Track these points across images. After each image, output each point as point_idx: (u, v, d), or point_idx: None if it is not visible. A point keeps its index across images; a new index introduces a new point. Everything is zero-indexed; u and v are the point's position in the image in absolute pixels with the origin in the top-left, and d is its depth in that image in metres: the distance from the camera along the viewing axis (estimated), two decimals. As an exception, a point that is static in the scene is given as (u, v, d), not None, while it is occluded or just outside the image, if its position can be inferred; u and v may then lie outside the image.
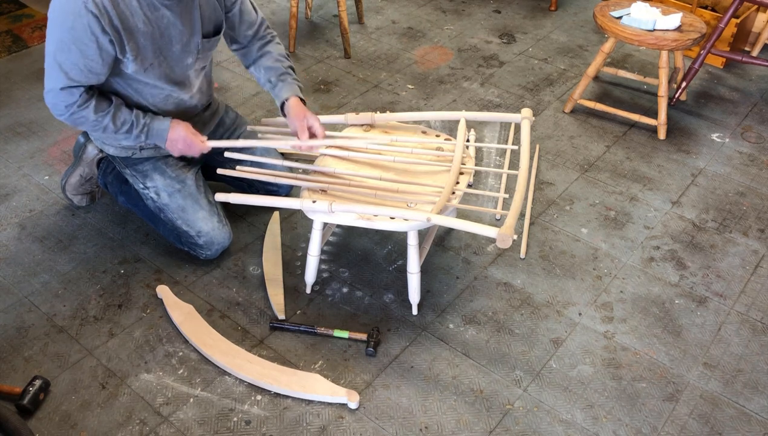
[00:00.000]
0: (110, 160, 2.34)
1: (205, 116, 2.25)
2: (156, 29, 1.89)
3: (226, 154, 2.17)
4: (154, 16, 1.87)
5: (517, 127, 2.86)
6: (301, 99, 2.15)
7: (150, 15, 1.86)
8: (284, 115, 2.15)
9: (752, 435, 1.84)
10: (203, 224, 2.16)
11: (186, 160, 2.22)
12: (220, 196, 2.05)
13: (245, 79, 3.20)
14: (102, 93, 1.97)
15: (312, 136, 2.09)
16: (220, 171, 2.09)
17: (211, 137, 2.24)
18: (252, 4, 2.19)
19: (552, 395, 1.92)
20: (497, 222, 2.45)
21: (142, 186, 2.15)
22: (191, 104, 2.16)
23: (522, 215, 2.47)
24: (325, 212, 1.90)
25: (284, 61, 2.22)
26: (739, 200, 2.60)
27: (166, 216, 2.17)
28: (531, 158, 2.71)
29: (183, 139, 2.05)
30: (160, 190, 2.14)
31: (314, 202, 1.89)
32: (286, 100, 2.13)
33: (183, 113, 2.14)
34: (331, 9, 3.87)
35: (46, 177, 2.58)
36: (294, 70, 2.23)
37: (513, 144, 2.77)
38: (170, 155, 2.17)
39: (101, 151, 2.36)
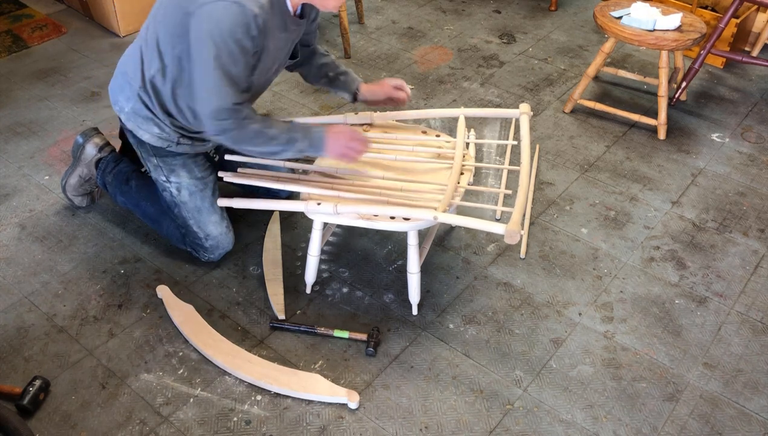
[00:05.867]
0: (109, 160, 2.34)
1: None
2: (275, 50, 1.91)
3: (227, 157, 2.18)
4: (280, 37, 1.89)
5: (517, 126, 2.86)
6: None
7: (278, 35, 1.88)
8: (357, 100, 2.26)
9: (752, 435, 1.84)
10: (213, 227, 2.16)
11: (209, 163, 2.21)
12: (223, 202, 2.05)
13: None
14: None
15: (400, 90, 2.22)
16: (222, 174, 2.09)
17: None
18: None
19: (552, 395, 1.92)
20: (498, 221, 2.45)
21: (164, 178, 2.13)
22: None
23: (522, 215, 2.46)
24: (330, 214, 1.90)
25: (338, 63, 2.28)
26: (739, 200, 2.60)
27: (179, 213, 2.16)
28: (531, 157, 2.71)
29: (344, 135, 1.98)
30: (183, 187, 2.13)
31: (319, 204, 1.89)
32: (358, 88, 2.24)
33: None
34: (331, 9, 3.87)
35: (46, 177, 2.58)
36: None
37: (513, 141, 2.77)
38: (199, 155, 2.16)
39: (99, 151, 2.35)
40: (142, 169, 2.47)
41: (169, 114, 2.03)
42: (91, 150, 2.35)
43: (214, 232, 2.17)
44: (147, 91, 1.99)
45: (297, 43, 2.08)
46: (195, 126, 2.05)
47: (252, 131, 1.90)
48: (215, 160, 2.32)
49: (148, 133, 2.07)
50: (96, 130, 2.41)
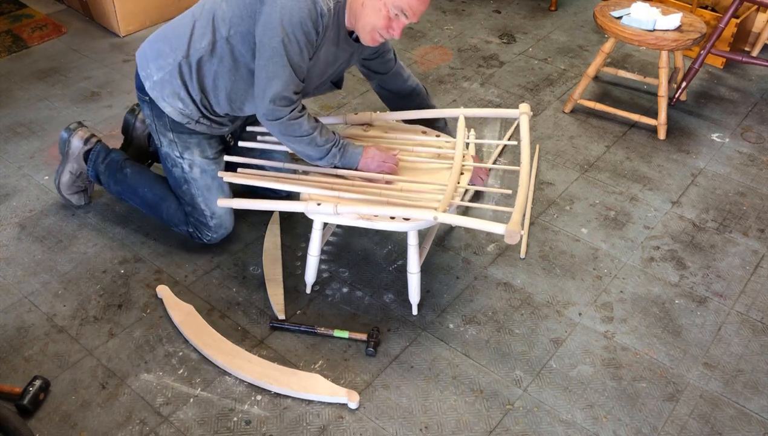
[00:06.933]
0: (99, 151, 2.32)
1: None
2: (323, 62, 1.99)
3: (226, 158, 2.18)
4: (330, 50, 1.97)
5: (517, 126, 2.86)
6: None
7: (330, 47, 1.97)
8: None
9: (752, 435, 1.84)
10: (220, 207, 2.19)
11: (223, 145, 2.25)
12: (223, 202, 2.05)
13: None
14: None
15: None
16: (221, 174, 2.09)
17: (247, 120, 2.32)
18: (393, 52, 2.25)
19: (552, 395, 1.92)
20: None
21: (177, 154, 2.15)
22: None
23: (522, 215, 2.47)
24: (330, 214, 1.90)
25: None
26: (739, 200, 2.60)
27: (188, 189, 2.18)
28: (531, 157, 2.71)
29: (378, 157, 2.06)
30: (195, 165, 2.16)
31: (319, 204, 1.89)
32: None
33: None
34: (331, 9, 3.87)
35: (46, 177, 2.58)
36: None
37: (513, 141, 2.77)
38: (215, 136, 2.20)
39: (85, 143, 2.33)
40: (151, 149, 2.46)
41: (203, 91, 2.06)
42: (77, 143, 2.34)
43: (219, 211, 2.20)
44: (189, 63, 2.02)
45: (344, 70, 2.16)
46: (225, 109, 2.09)
47: (302, 129, 1.97)
48: (230, 144, 2.35)
49: (170, 106, 2.09)
50: (80, 124, 2.39)
